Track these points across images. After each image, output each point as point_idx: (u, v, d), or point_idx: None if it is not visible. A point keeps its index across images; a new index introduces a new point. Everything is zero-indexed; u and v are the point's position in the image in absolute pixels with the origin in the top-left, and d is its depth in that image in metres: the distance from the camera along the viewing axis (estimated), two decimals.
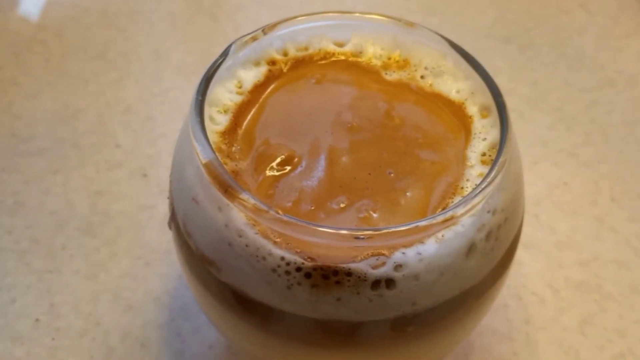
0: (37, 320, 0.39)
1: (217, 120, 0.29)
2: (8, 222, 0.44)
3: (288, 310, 0.25)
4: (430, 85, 0.31)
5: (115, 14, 0.59)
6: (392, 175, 0.28)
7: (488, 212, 0.26)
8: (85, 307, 0.40)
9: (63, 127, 0.49)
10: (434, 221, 0.23)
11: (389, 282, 0.24)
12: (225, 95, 0.30)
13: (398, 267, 0.24)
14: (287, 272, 0.25)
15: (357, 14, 0.32)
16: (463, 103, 0.30)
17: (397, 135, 0.29)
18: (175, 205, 0.29)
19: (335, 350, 0.27)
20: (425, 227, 0.23)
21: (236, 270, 0.26)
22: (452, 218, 0.24)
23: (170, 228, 0.30)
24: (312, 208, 0.26)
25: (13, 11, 0.58)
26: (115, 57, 0.55)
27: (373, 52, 0.32)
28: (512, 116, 0.51)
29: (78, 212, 0.44)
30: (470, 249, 0.25)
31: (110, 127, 0.50)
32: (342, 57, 0.32)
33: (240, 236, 0.25)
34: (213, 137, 0.28)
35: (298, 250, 0.24)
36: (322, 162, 0.28)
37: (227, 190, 0.25)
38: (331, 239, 0.23)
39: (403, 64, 0.32)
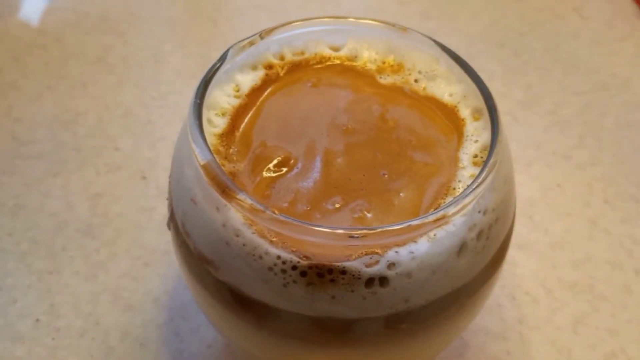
0: (37, 320, 0.40)
1: (215, 123, 0.30)
2: (9, 224, 0.44)
3: (284, 308, 0.26)
4: (424, 88, 0.32)
5: (115, 19, 0.59)
6: (386, 176, 0.28)
7: (479, 212, 0.26)
8: (85, 307, 0.40)
9: (63, 131, 0.50)
10: (426, 220, 0.24)
11: (383, 280, 0.25)
12: (223, 98, 0.31)
13: (391, 265, 0.25)
14: (283, 271, 0.25)
15: (352, 19, 0.33)
16: (455, 106, 0.31)
17: (391, 137, 0.30)
18: (174, 206, 0.29)
19: (330, 347, 0.27)
20: (418, 226, 0.24)
21: (233, 269, 0.26)
22: (443, 217, 0.24)
23: (169, 228, 0.31)
24: (308, 208, 0.27)
25: (13, 16, 0.59)
26: (115, 62, 0.56)
27: (368, 56, 0.33)
28: (507, 119, 0.52)
29: (78, 214, 0.45)
30: (462, 248, 0.26)
31: (110, 130, 0.50)
32: (338, 62, 0.33)
33: (238, 235, 0.26)
34: (211, 140, 0.29)
35: (294, 249, 0.25)
36: (317, 164, 0.28)
37: (225, 190, 0.25)
38: (326, 238, 0.24)
39: (397, 68, 0.33)
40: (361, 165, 0.29)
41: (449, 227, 0.25)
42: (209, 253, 0.27)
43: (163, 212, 0.45)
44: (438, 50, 0.32)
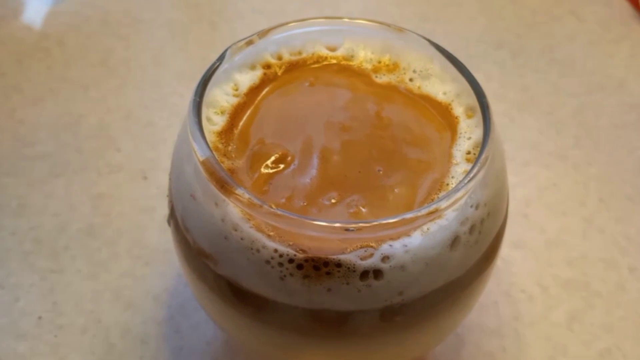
0: (40, 317, 0.40)
1: (214, 121, 0.31)
2: (12, 224, 0.45)
3: (281, 300, 0.27)
4: (419, 87, 0.32)
5: (116, 22, 0.60)
6: (381, 172, 0.29)
7: (471, 206, 0.27)
8: (86, 305, 0.41)
9: (65, 132, 0.51)
10: (419, 214, 0.25)
11: (377, 273, 0.26)
12: (222, 97, 0.31)
13: (385, 258, 0.25)
14: (280, 264, 0.26)
15: (347, 19, 0.33)
16: (449, 104, 0.31)
17: (386, 134, 0.30)
18: (174, 202, 0.30)
19: (327, 339, 0.28)
20: (411, 220, 0.25)
21: (232, 262, 0.27)
22: (436, 211, 0.25)
23: (169, 225, 0.31)
24: (305, 204, 0.27)
25: (17, 19, 0.60)
26: (116, 65, 0.56)
27: (364, 56, 0.34)
28: (503, 120, 0.53)
29: (80, 214, 0.46)
30: (454, 241, 0.27)
31: (112, 132, 0.51)
32: (334, 61, 0.34)
33: (236, 230, 0.26)
34: (210, 137, 0.30)
35: (290, 243, 0.26)
36: (314, 161, 0.29)
37: (224, 186, 0.26)
38: (322, 231, 0.25)
39: (392, 68, 0.33)
40: (357, 162, 0.29)
41: (442, 221, 0.26)
42: (208, 247, 0.28)
43: (163, 211, 0.46)
44: (433, 50, 0.32)
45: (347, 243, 0.25)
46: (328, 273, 0.25)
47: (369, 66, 0.33)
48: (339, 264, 0.25)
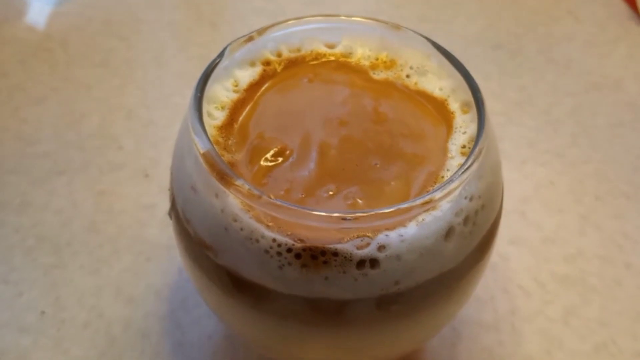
0: (43, 312, 0.41)
1: (215, 116, 0.31)
2: (15, 221, 0.45)
3: (280, 289, 0.27)
4: (415, 83, 0.33)
5: (118, 23, 0.61)
6: (377, 166, 0.29)
7: (465, 198, 0.27)
8: (89, 300, 0.41)
9: (68, 131, 0.51)
10: (414, 204, 0.25)
11: (373, 262, 0.26)
12: (222, 92, 0.32)
13: (381, 247, 0.26)
14: (279, 253, 0.26)
15: (345, 17, 0.34)
16: (445, 100, 0.32)
17: (383, 129, 0.31)
18: (175, 195, 0.30)
19: (325, 328, 0.28)
20: (406, 209, 0.25)
21: (232, 253, 0.27)
22: (430, 201, 0.26)
23: (170, 218, 0.32)
24: (303, 195, 0.28)
25: (20, 20, 0.61)
26: (118, 65, 0.57)
27: (362, 53, 0.34)
28: (501, 119, 0.53)
29: (82, 211, 0.46)
30: (449, 232, 0.27)
31: (113, 130, 0.51)
32: (333, 58, 0.34)
33: (236, 220, 0.27)
34: (210, 131, 0.30)
35: (289, 233, 0.26)
36: (312, 154, 0.30)
37: (224, 177, 0.26)
38: (320, 221, 0.25)
39: (390, 64, 0.34)
40: (354, 156, 0.30)
41: (436, 212, 0.27)
42: (208, 238, 0.28)
43: (164, 208, 0.46)
44: (429, 47, 0.33)
45: (344, 233, 0.26)
46: (325, 262, 0.26)
47: (366, 63, 0.34)
48: (335, 253, 0.26)
